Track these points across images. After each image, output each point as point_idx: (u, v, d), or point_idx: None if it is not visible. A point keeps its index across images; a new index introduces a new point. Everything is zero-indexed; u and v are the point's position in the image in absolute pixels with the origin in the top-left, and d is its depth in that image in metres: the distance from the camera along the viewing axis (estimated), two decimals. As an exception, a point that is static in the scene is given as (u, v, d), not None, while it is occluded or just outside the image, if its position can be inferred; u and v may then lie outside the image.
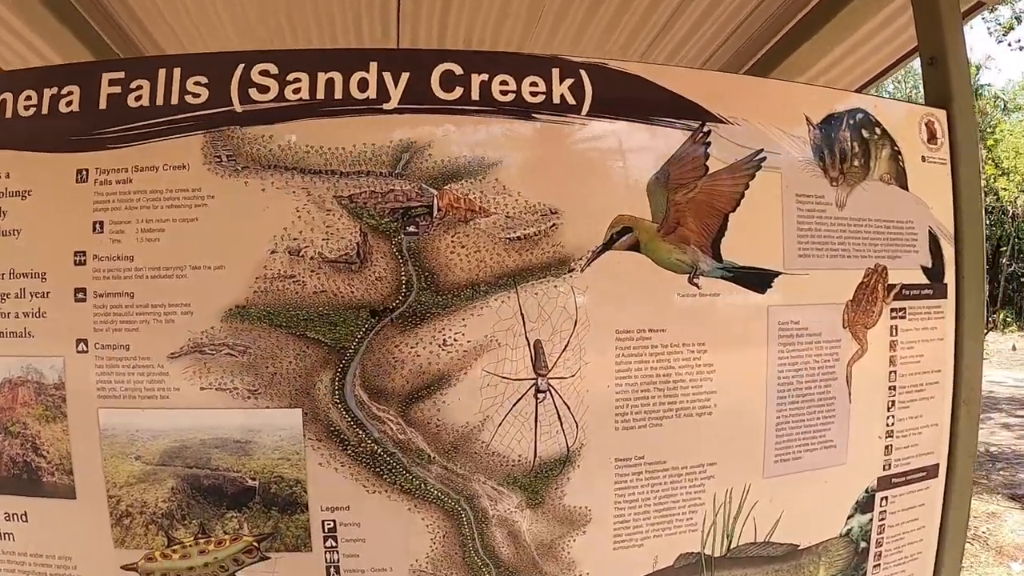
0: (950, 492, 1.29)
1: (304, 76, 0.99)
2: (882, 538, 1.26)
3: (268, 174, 0.98)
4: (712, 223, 1.09)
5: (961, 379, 1.27)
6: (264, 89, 0.99)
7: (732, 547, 1.14)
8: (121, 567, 1.03)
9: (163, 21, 1.94)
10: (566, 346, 1.02)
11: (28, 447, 1.05)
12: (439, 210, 0.99)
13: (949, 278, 1.27)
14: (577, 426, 1.04)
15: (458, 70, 1.01)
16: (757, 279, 1.11)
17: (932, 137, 1.27)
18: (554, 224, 1.02)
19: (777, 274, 1.12)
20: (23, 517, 1.04)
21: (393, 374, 0.99)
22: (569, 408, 1.03)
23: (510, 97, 1.02)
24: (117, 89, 1.01)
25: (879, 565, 1.27)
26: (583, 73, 1.04)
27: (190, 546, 1.03)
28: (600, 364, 1.03)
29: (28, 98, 1.03)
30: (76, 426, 1.01)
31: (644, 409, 1.06)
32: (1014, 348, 13.51)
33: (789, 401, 1.14)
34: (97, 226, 1.01)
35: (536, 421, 1.02)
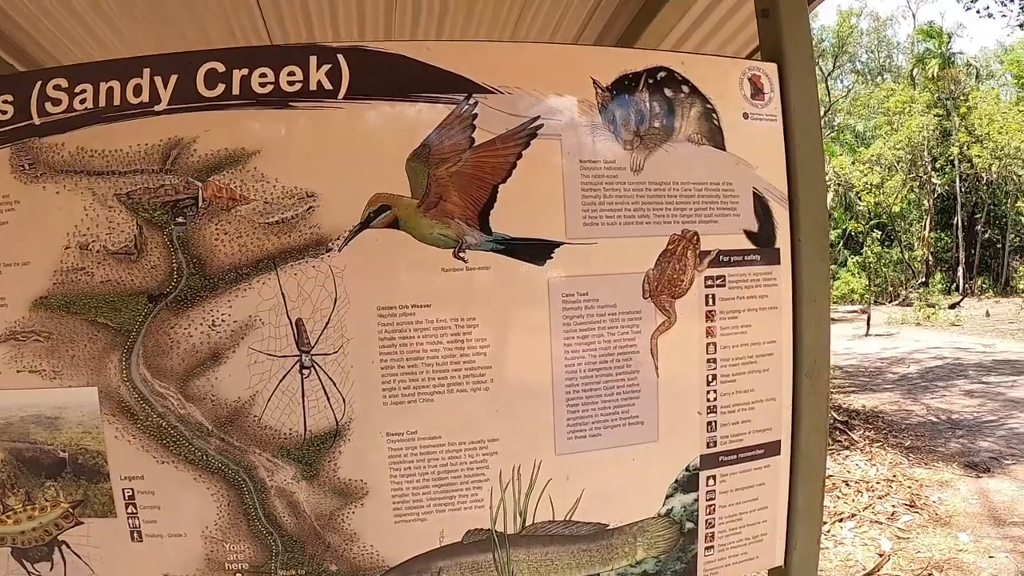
0: (797, 470, 1.14)
1: (89, 87, 1.06)
2: (713, 519, 1.16)
3: (60, 178, 1.06)
4: (479, 195, 1.06)
5: (802, 350, 1.13)
6: (57, 102, 1.07)
7: (527, 525, 1.10)
8: (-23, 530, 1.20)
9: (56, 38, 2.07)
10: (327, 323, 1.04)
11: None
12: (204, 200, 1.05)
13: (783, 242, 1.17)
14: (344, 401, 1.04)
15: (220, 67, 1.05)
16: (533, 250, 1.06)
17: (757, 92, 1.15)
18: (311, 207, 1.03)
19: (558, 244, 1.07)
20: None
21: (170, 353, 1.04)
22: (335, 383, 1.05)
23: (268, 88, 1.03)
24: None
25: (712, 547, 1.17)
26: (340, 58, 1.04)
27: (20, 511, 1.15)
28: (363, 340, 1.01)
29: None
30: None
31: (412, 384, 1.03)
32: (987, 314, 12.59)
33: (581, 376, 1.07)
34: None
35: (303, 396, 1.04)
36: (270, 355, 1.00)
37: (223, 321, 1.00)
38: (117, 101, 1.02)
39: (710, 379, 1.09)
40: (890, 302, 16.47)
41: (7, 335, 1.05)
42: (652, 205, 1.06)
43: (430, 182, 1.00)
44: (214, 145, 1.00)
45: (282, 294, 0.99)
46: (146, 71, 1.02)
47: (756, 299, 1.10)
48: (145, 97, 1.02)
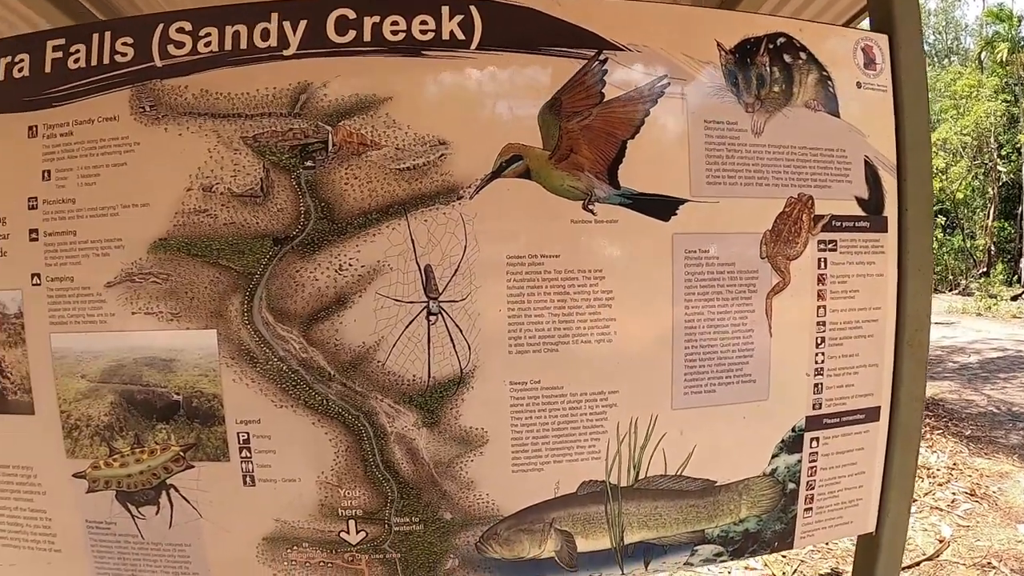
0: (894, 437, 1.19)
1: (214, 30, 1.07)
2: (814, 481, 1.20)
3: (183, 120, 1.06)
4: (608, 150, 1.09)
5: (905, 318, 1.17)
6: (180, 45, 1.07)
7: (640, 478, 1.12)
8: (72, 475, 1.18)
9: None
10: (456, 270, 1.06)
11: (-7, 369, 1.23)
12: (333, 145, 1.06)
13: (890, 211, 1.21)
14: (470, 348, 1.06)
15: (351, 14, 1.05)
16: (660, 206, 1.10)
17: (870, 62, 1.19)
18: (443, 154, 1.05)
19: (682, 201, 1.10)
20: None
21: (295, 297, 1.05)
22: (461, 331, 1.07)
23: (400, 36, 1.05)
24: (59, 54, 1.12)
25: (811, 509, 1.21)
26: (473, 9, 1.05)
27: (127, 455, 1.15)
28: (491, 289, 1.03)
29: None
30: (33, 350, 1.15)
31: (539, 334, 1.06)
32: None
33: (699, 332, 1.10)
34: (46, 174, 1.13)
35: (429, 343, 1.06)
36: (397, 301, 1.01)
37: (350, 265, 1.01)
38: (244, 45, 1.03)
39: (819, 341, 1.12)
40: (950, 291, 16.06)
41: (123, 276, 1.05)
42: (771, 167, 1.09)
43: (561, 135, 1.02)
44: (344, 91, 1.01)
45: (412, 240, 1.00)
46: (274, 16, 1.03)
47: (864, 265, 1.13)
48: (273, 41, 1.02)
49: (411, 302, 1.01)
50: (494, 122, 1.02)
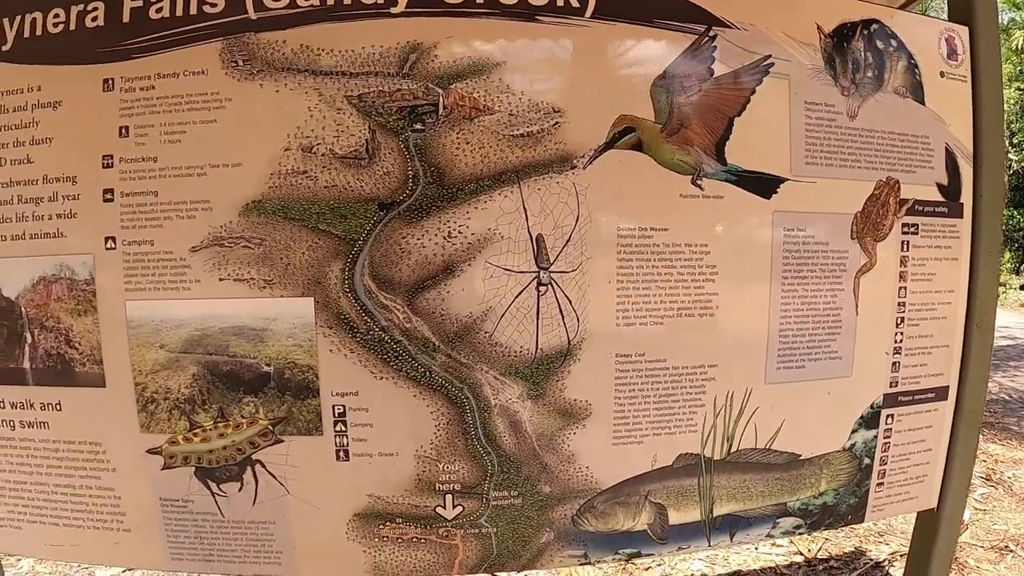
0: (959, 417, 1.26)
1: None
2: (887, 456, 1.27)
3: (281, 76, 1.02)
4: (716, 126, 1.11)
5: (975, 302, 1.24)
6: None
7: (732, 451, 1.16)
8: (146, 451, 1.13)
9: None
10: (568, 241, 1.06)
11: (61, 340, 1.14)
12: (444, 108, 1.04)
13: (966, 198, 1.26)
14: (578, 320, 1.06)
15: None
16: (762, 184, 1.12)
17: (952, 53, 1.26)
18: (557, 123, 1.04)
19: (783, 180, 1.13)
20: (57, 406, 1.12)
21: (400, 264, 1.03)
22: (571, 302, 1.07)
23: (514, 0, 1.07)
24: (139, 3, 1.04)
25: (882, 484, 1.28)
26: None
27: (210, 429, 1.11)
28: (602, 260, 1.03)
29: (56, 15, 1.11)
30: (105, 318, 1.09)
31: (646, 307, 1.08)
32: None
33: (793, 308, 1.14)
34: (123, 131, 1.07)
35: (538, 314, 1.06)
36: (508, 270, 1.00)
37: (460, 233, 0.99)
38: (348, 0, 0.99)
39: (899, 321, 1.18)
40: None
41: (210, 240, 1.01)
42: (863, 150, 1.13)
43: (672, 109, 1.03)
44: (456, 53, 0.99)
45: (524, 208, 1.00)
46: (382, -31, 1.00)
47: (941, 249, 1.20)
48: (381, -3, 0.99)
49: (522, 272, 1.01)
50: (606, 92, 1.03)
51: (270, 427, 1.05)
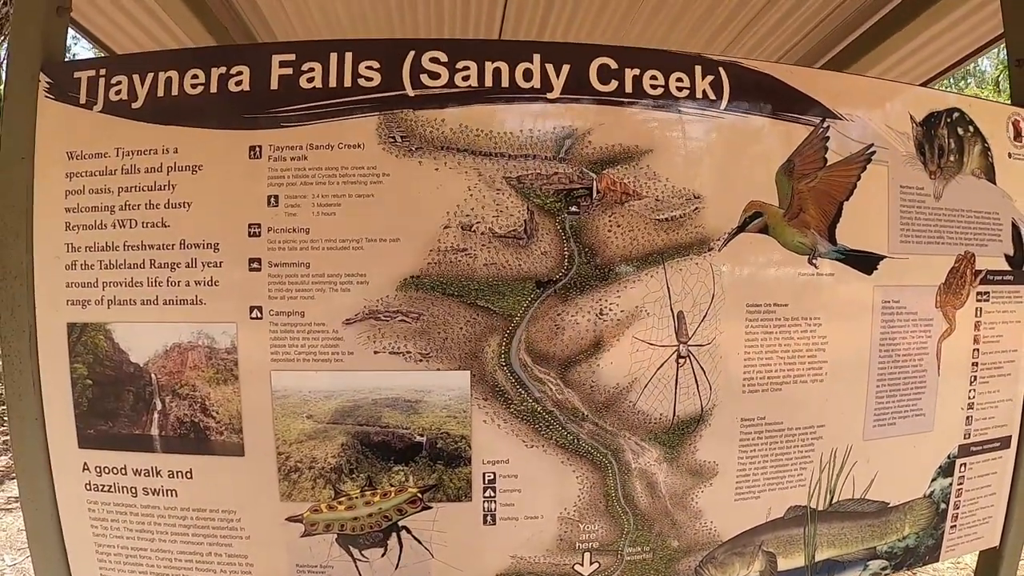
0: (1020, 462, 1.51)
1: (472, 64, 1.12)
2: (959, 501, 1.48)
3: (441, 155, 1.13)
4: (829, 210, 1.28)
5: None
6: (435, 76, 1.11)
7: (834, 502, 1.35)
8: (286, 519, 1.20)
9: (281, 8, 2.09)
10: (704, 317, 1.20)
11: (196, 408, 1.19)
12: (598, 192, 1.17)
13: (1025, 266, 1.51)
14: (711, 388, 1.21)
15: (613, 64, 1.16)
16: (866, 261, 1.30)
17: (1018, 135, 1.48)
18: (697, 208, 1.18)
19: (882, 257, 1.32)
20: (187, 475, 1.17)
21: (555, 340, 1.14)
22: (705, 372, 1.22)
23: (659, 91, 1.16)
24: (288, 71, 1.12)
25: (955, 526, 1.49)
26: (721, 71, 1.18)
27: (356, 498, 1.19)
28: (732, 334, 1.18)
29: (195, 76, 1.16)
30: (248, 388, 1.15)
31: (767, 375, 1.23)
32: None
33: (888, 372, 1.34)
34: (272, 200, 1.13)
35: (676, 384, 1.21)
36: (652, 344, 1.14)
37: (611, 310, 1.12)
38: (505, 83, 1.11)
39: (972, 380, 1.38)
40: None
41: (366, 314, 1.10)
42: (946, 228, 1.33)
43: (793, 194, 1.20)
44: (609, 139, 1.12)
45: (667, 287, 1.14)
46: (536, 56, 1.12)
47: (1008, 313, 1.41)
48: (536, 83, 1.11)
49: (664, 346, 1.15)
50: (738, 179, 1.18)
51: (419, 494, 1.15)
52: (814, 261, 1.22)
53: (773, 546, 1.27)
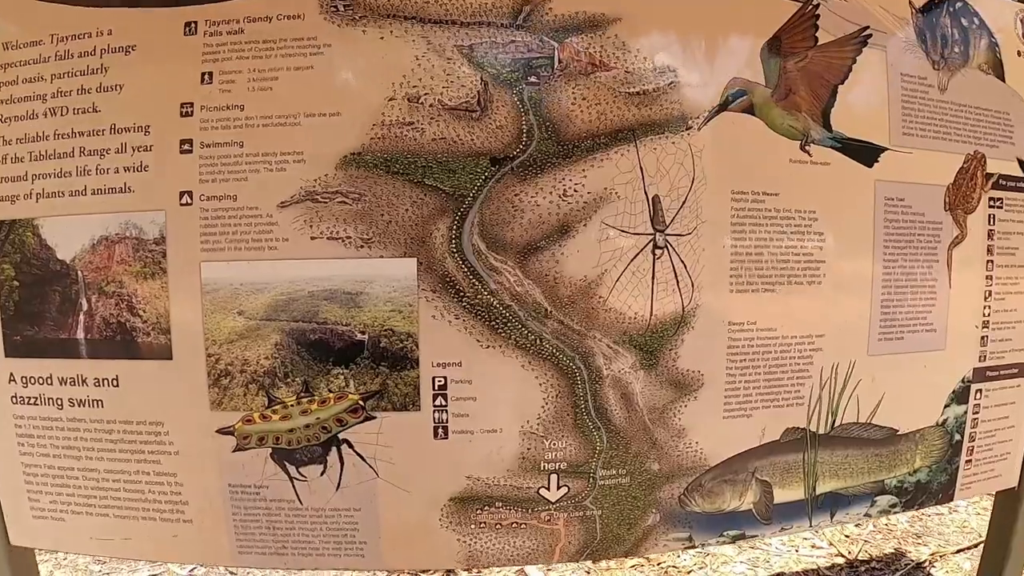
0: None
1: None
2: (975, 432, 1.28)
3: (387, 23, 0.98)
4: (822, 93, 1.12)
5: None
6: None
7: (836, 425, 1.15)
8: (216, 431, 1.04)
9: None
10: (683, 203, 1.03)
11: (123, 307, 1.04)
12: (559, 62, 1.02)
13: (1042, 174, 1.33)
14: (693, 286, 1.04)
15: None
16: (865, 152, 1.13)
17: None
18: (672, 82, 1.02)
19: (883, 149, 1.15)
20: (114, 382, 1.03)
21: (512, 223, 0.98)
22: (686, 266, 1.05)
23: None
24: None
25: (971, 461, 1.29)
26: None
27: (292, 406, 1.03)
28: (716, 223, 1.00)
29: None
30: (177, 281, 1.01)
31: (758, 273, 1.05)
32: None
33: (894, 279, 1.14)
34: (206, 77, 0.99)
35: (653, 278, 1.04)
36: (624, 231, 0.97)
37: (576, 191, 0.96)
38: (458, -55, 0.96)
39: (986, 295, 1.20)
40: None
41: (303, 195, 0.95)
42: (953, 124, 1.16)
43: (781, 73, 1.04)
44: (571, 6, 0.97)
45: (640, 168, 0.98)
46: (494, -82, 0.97)
47: (1023, 223, 1.23)
48: (492, -55, 0.97)
49: (638, 233, 0.98)
50: (719, 54, 1.02)
51: (361, 402, 0.98)
52: (807, 147, 1.05)
53: (768, 474, 1.08)
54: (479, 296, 0.96)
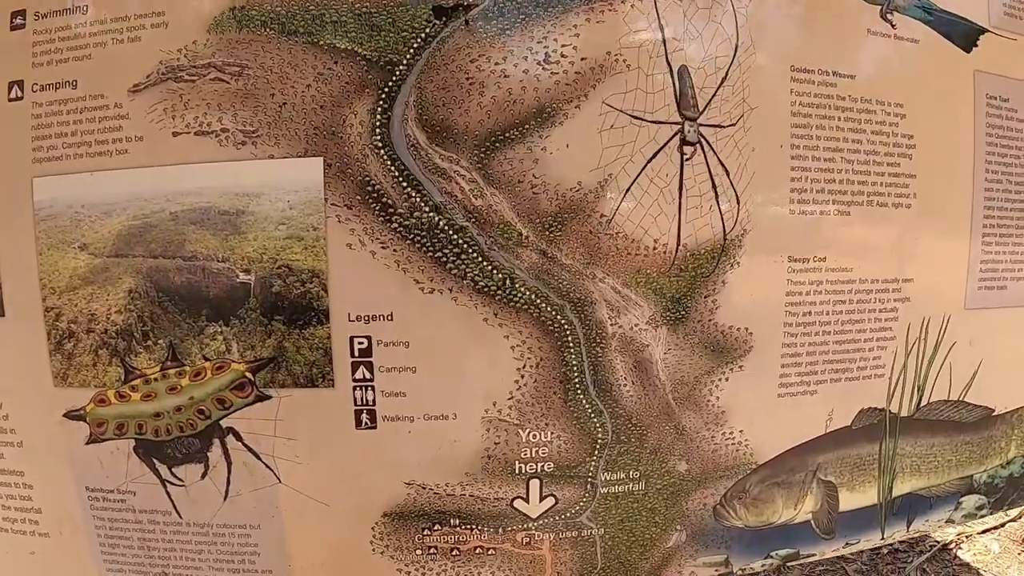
0: None
1: None
2: None
3: None
4: (909, -60, 0.61)
5: None
6: None
7: (922, 405, 0.63)
8: (64, 415, 0.54)
9: None
10: (723, 79, 0.53)
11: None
12: None
13: None
14: (739, 202, 0.51)
15: None
16: (960, 31, 0.59)
17: None
18: None
19: (984, 30, 0.63)
20: None
21: (467, 103, 0.45)
22: (728, 173, 0.53)
23: None
24: None
25: None
26: None
27: (156, 380, 0.52)
28: (769, 111, 0.47)
29: None
30: (5, 209, 0.52)
31: (828, 185, 0.51)
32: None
33: (997, 206, 0.61)
34: None
35: (681, 188, 0.52)
36: (636, 118, 0.45)
37: (563, 56, 0.44)
38: None
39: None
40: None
41: (164, 73, 0.44)
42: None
43: (854, -95, 0.51)
44: None
45: (660, 24, 0.45)
46: None
47: None
48: None
49: (658, 122, 0.46)
50: None
51: (249, 375, 0.46)
52: (889, 15, 0.52)
53: (835, 472, 0.54)
54: (418, 213, 0.44)
